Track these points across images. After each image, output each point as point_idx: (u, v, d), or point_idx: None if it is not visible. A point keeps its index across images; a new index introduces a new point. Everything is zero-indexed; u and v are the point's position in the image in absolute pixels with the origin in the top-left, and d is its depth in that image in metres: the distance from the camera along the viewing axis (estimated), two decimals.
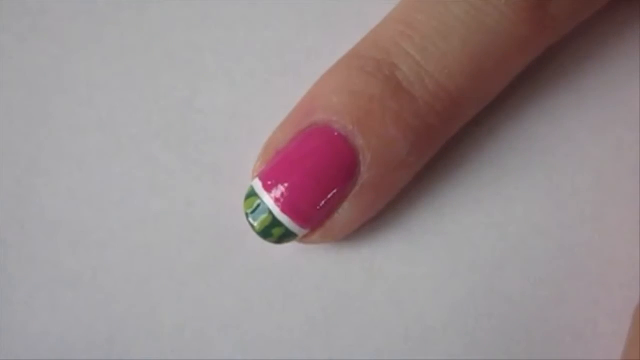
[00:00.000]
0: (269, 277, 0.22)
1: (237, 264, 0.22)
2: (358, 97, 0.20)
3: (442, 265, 0.22)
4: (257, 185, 0.20)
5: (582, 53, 0.23)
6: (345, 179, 0.20)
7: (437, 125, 0.20)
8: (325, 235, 0.20)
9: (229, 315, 0.22)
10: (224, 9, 0.23)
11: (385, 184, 0.20)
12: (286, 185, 0.20)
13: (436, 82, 0.20)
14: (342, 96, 0.20)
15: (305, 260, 0.22)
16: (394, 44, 0.20)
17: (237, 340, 0.22)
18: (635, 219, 0.22)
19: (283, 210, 0.20)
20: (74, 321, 0.22)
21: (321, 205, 0.20)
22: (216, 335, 0.22)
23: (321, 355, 0.21)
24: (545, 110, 0.22)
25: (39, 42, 0.23)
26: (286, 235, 0.20)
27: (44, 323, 0.22)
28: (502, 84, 0.21)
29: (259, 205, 0.20)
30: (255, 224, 0.20)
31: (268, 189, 0.20)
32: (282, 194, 0.20)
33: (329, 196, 0.20)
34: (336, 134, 0.20)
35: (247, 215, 0.20)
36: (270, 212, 0.20)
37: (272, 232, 0.20)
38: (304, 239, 0.20)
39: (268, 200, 0.20)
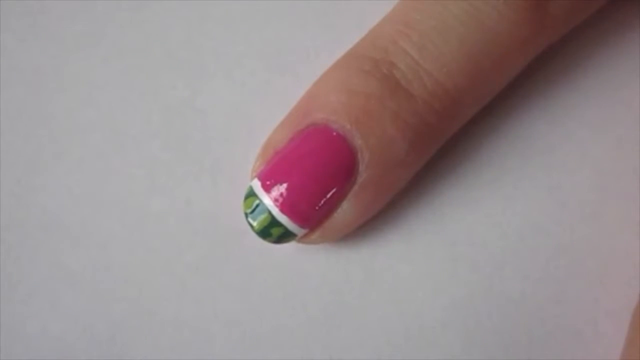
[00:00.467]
0: (269, 277, 0.22)
1: (237, 263, 0.22)
2: (356, 97, 0.20)
3: (442, 265, 0.22)
4: (256, 185, 0.20)
5: (582, 52, 0.23)
6: (343, 178, 0.20)
7: (435, 123, 0.20)
8: (324, 235, 0.20)
9: (229, 315, 0.22)
10: (224, 9, 0.23)
11: (384, 183, 0.20)
12: (285, 185, 0.20)
13: (434, 81, 0.20)
14: (340, 96, 0.20)
15: (305, 260, 0.22)
16: (392, 43, 0.20)
17: (237, 339, 0.22)
18: (635, 218, 0.22)
19: (282, 210, 0.20)
20: (74, 321, 0.22)
21: (320, 205, 0.20)
22: (216, 335, 0.22)
23: (321, 355, 0.21)
24: (545, 110, 0.22)
25: (39, 42, 0.23)
26: (285, 235, 0.20)
27: (44, 323, 0.22)
28: (501, 83, 0.21)
29: (258, 205, 0.20)
30: (255, 224, 0.20)
31: (267, 189, 0.20)
32: (281, 194, 0.20)
33: (328, 196, 0.20)
34: (334, 133, 0.20)
35: (246, 215, 0.20)
36: (269, 212, 0.20)
37: (271, 231, 0.20)
38: (303, 239, 0.20)
39: (267, 200, 0.20)
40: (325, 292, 0.22)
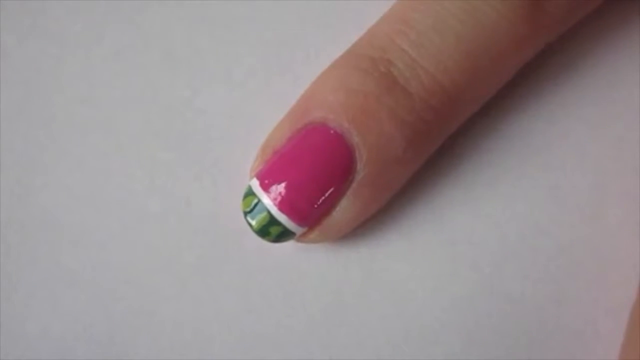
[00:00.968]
0: (269, 277, 0.22)
1: (237, 263, 0.22)
2: (354, 95, 0.20)
3: (442, 264, 0.22)
4: (255, 184, 0.20)
5: (581, 51, 0.23)
6: (342, 176, 0.20)
7: (433, 121, 0.20)
8: (323, 233, 0.20)
9: (229, 315, 0.22)
10: (224, 9, 0.23)
11: (383, 181, 0.20)
12: (283, 184, 0.20)
13: (432, 78, 0.20)
14: (338, 94, 0.20)
15: (305, 260, 0.22)
16: (389, 42, 0.20)
17: (236, 339, 0.22)
18: (635, 217, 0.22)
19: (280, 209, 0.20)
20: (74, 321, 0.22)
21: (318, 203, 0.20)
22: (216, 335, 0.22)
23: (321, 355, 0.21)
24: (544, 109, 0.22)
25: (39, 42, 0.23)
26: (284, 234, 0.20)
27: (44, 323, 0.22)
28: (499, 82, 0.21)
29: (256, 204, 0.20)
30: (253, 223, 0.20)
31: (265, 188, 0.20)
32: (280, 193, 0.20)
33: (326, 194, 0.20)
34: (332, 132, 0.20)
35: (245, 214, 0.20)
36: (268, 211, 0.20)
37: (270, 230, 0.20)
38: (302, 238, 0.20)
39: (265, 199, 0.20)
40: (325, 292, 0.22)
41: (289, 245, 0.21)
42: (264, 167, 0.20)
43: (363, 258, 0.22)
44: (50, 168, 0.23)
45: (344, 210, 0.20)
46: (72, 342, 0.22)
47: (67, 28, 0.23)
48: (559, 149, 0.22)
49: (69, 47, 0.23)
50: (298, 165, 0.20)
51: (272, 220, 0.20)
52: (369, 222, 0.21)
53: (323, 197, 0.20)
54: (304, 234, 0.20)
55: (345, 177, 0.20)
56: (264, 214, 0.20)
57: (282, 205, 0.20)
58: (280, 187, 0.20)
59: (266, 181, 0.20)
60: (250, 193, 0.20)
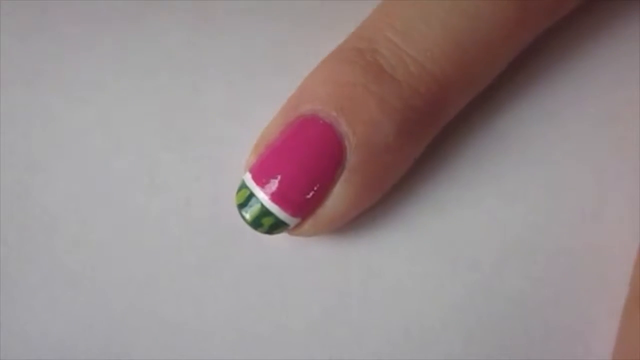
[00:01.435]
0: (269, 276, 0.22)
1: (237, 263, 0.22)
2: (342, 86, 0.20)
3: (442, 264, 0.22)
4: (248, 177, 0.20)
5: (581, 50, 0.23)
6: (332, 165, 0.20)
7: (422, 108, 0.20)
8: (316, 225, 0.21)
9: (229, 315, 0.22)
10: (224, 9, 0.23)
11: (374, 169, 0.20)
12: (275, 175, 0.20)
13: (419, 65, 0.20)
14: (327, 87, 0.20)
15: (304, 259, 0.22)
16: (376, 32, 0.20)
17: (236, 339, 0.22)
18: (635, 217, 0.22)
19: (272, 200, 0.20)
20: (74, 321, 0.22)
21: (310, 193, 0.20)
22: (216, 335, 0.22)
23: (321, 355, 0.21)
24: (544, 108, 0.22)
25: (39, 42, 0.23)
26: (277, 225, 0.20)
27: (44, 323, 0.22)
28: (490, 72, 0.21)
29: (249, 197, 0.20)
30: (247, 215, 0.20)
31: (258, 180, 0.20)
32: (272, 184, 0.20)
33: (318, 184, 0.20)
34: (321, 122, 0.20)
35: (238, 207, 0.20)
36: (260, 203, 0.20)
37: (262, 221, 0.20)
38: (296, 230, 0.21)
39: (257, 191, 0.20)
40: (324, 292, 0.22)
41: (288, 245, 0.21)
42: (256, 161, 0.20)
43: (363, 258, 0.22)
44: (50, 168, 0.23)
45: (337, 198, 0.20)
46: (72, 342, 0.22)
47: (67, 28, 0.23)
48: (559, 149, 0.22)
49: (69, 47, 0.23)
50: (289, 157, 0.20)
51: (265, 211, 0.20)
52: (369, 222, 0.21)
53: (315, 187, 0.20)
54: (297, 226, 0.21)
55: (336, 165, 0.20)
56: (257, 205, 0.20)
57: (274, 196, 0.20)
58: (272, 179, 0.20)
59: (259, 174, 0.20)
60: (243, 186, 0.20)
